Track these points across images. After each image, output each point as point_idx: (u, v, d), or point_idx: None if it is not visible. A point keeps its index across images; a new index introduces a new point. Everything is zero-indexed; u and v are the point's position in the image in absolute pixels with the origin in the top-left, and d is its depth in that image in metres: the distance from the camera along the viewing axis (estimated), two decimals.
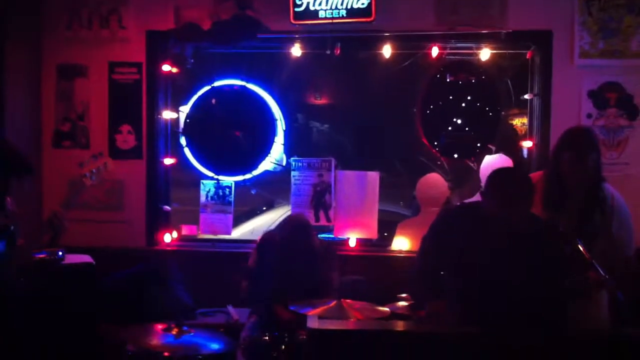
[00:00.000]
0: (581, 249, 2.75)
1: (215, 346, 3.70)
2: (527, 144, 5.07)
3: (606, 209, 3.40)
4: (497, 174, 3.13)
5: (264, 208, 7.65)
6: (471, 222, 3.09)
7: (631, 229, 3.48)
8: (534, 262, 2.91)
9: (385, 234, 5.52)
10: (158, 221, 5.29)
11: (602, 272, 2.69)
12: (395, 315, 3.97)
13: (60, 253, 4.17)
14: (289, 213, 5.34)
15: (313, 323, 2.63)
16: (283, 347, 3.76)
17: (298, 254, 4.28)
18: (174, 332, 3.65)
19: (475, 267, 2.97)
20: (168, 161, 5.34)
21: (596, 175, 3.43)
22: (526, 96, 5.10)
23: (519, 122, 5.69)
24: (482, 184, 4.93)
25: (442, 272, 3.21)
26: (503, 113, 5.19)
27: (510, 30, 4.88)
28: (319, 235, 4.73)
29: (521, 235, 2.95)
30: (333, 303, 3.79)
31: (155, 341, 3.66)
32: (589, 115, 4.85)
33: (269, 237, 4.52)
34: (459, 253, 3.05)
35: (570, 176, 3.40)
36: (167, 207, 5.37)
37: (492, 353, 2.51)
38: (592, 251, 2.80)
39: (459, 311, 3.04)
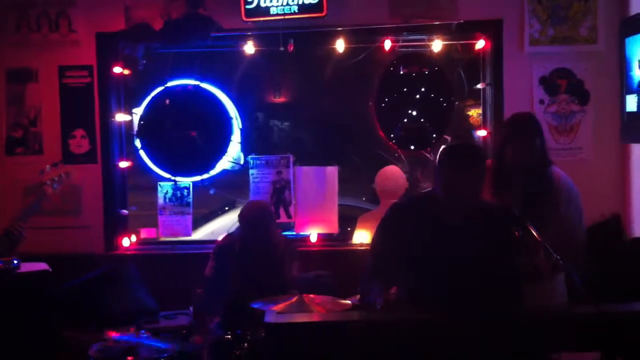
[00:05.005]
0: (533, 232, 2.78)
1: (177, 347, 3.69)
2: (481, 133, 5.13)
3: (552, 192, 3.45)
4: (443, 150, 3.11)
5: (226, 208, 7.61)
6: (420, 212, 3.08)
7: (580, 209, 3.52)
8: (485, 247, 2.92)
9: (349, 229, 5.53)
10: (116, 225, 5.23)
11: (553, 254, 2.73)
12: (357, 307, 3.97)
13: (16, 262, 4.11)
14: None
15: (270, 318, 2.62)
16: (246, 344, 3.74)
17: (259, 241, 4.27)
18: (135, 335, 3.62)
19: (426, 258, 2.96)
20: (123, 164, 5.28)
21: (542, 159, 3.48)
22: (479, 86, 5.15)
23: (475, 113, 5.75)
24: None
25: (392, 266, 3.20)
26: (457, 103, 5.23)
27: (461, 21, 4.92)
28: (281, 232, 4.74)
29: (471, 219, 2.95)
30: (294, 298, 3.78)
31: (117, 345, 3.63)
32: (541, 102, 4.92)
33: (225, 241, 4.50)
34: (409, 244, 3.05)
35: (516, 161, 3.45)
36: (125, 211, 5.30)
37: (450, 337, 2.53)
38: (542, 234, 2.82)
39: (409, 300, 3.05)
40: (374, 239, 3.29)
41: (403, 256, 3.04)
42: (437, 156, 3.08)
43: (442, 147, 3.12)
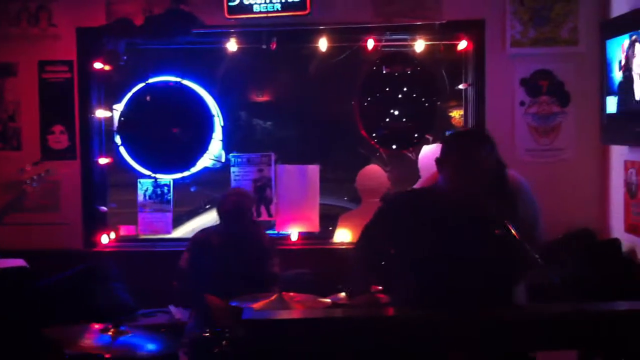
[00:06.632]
0: (512, 231, 2.77)
1: (154, 346, 3.65)
2: None
3: (508, 194, 3.42)
4: (455, 137, 3.06)
5: (207, 206, 7.58)
6: (421, 207, 3.02)
7: (537, 208, 3.51)
8: (487, 242, 2.87)
9: (330, 228, 5.53)
10: (95, 222, 5.18)
11: (532, 252, 2.73)
12: (337, 306, 3.97)
13: None
14: None
15: (248, 314, 2.60)
16: (224, 342, 3.72)
17: (238, 229, 4.31)
18: (111, 333, 3.58)
19: (427, 256, 2.90)
20: (103, 161, 5.23)
21: (497, 165, 3.46)
22: (461, 86, 5.17)
23: (457, 114, 5.76)
24: (421, 173, 5.00)
25: (383, 262, 3.17)
26: (440, 104, 5.24)
27: (444, 21, 4.92)
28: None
29: (472, 214, 2.90)
30: (274, 296, 3.78)
31: (94, 342, 3.59)
32: (522, 103, 4.94)
33: (202, 235, 4.49)
34: (407, 240, 2.99)
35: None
36: (104, 208, 5.25)
37: (430, 335, 2.52)
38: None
39: (404, 297, 3.01)
40: (367, 232, 3.17)
41: (400, 252, 2.97)
42: (445, 146, 3.04)
43: (448, 135, 3.07)
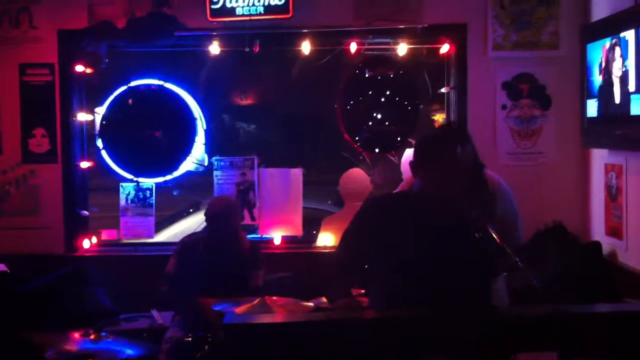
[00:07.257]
0: (492, 233, 2.77)
1: (135, 350, 3.63)
2: None
3: (487, 195, 3.41)
4: (425, 143, 3.02)
5: (190, 210, 7.57)
6: (397, 209, 3.01)
7: (516, 210, 3.50)
8: (466, 245, 2.87)
9: (314, 232, 5.53)
10: (76, 226, 5.14)
11: (512, 255, 2.73)
12: (319, 309, 3.97)
13: None
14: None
15: (230, 318, 2.59)
16: (206, 347, 3.71)
17: (224, 236, 4.30)
18: (93, 337, 3.56)
19: (403, 254, 2.90)
20: (85, 164, 5.20)
21: (475, 164, 3.45)
22: (443, 90, 5.19)
23: (440, 118, 5.79)
24: (404, 176, 5.01)
25: (365, 265, 3.16)
26: (422, 107, 5.26)
27: (426, 25, 4.95)
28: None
29: (450, 216, 2.89)
30: (257, 300, 3.77)
31: (75, 347, 3.57)
32: (504, 107, 4.96)
33: (190, 240, 4.47)
34: (384, 242, 2.98)
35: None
36: (85, 212, 5.22)
37: (409, 336, 2.53)
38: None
39: (384, 300, 3.01)
40: (346, 235, 3.13)
41: (378, 255, 2.96)
42: (417, 151, 3.03)
43: (420, 139, 3.06)
